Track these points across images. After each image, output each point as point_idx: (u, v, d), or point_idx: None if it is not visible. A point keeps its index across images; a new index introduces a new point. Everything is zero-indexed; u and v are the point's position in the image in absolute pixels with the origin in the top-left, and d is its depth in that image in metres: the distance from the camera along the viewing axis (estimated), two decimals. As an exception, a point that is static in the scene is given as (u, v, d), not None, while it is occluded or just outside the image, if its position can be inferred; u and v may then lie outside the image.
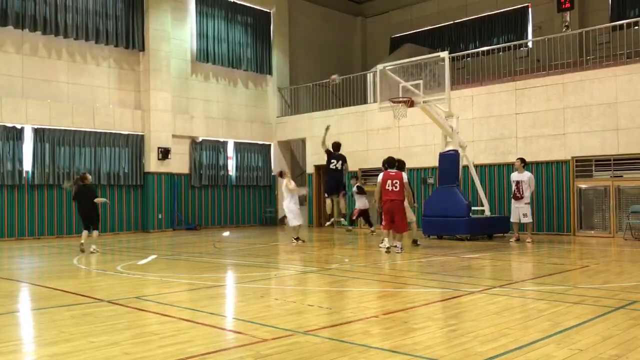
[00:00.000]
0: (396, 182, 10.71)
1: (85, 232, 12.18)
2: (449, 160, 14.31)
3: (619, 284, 7.39)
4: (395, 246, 10.88)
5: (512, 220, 13.47)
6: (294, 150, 23.39)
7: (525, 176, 13.19)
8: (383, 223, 11.11)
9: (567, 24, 19.81)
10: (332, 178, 14.10)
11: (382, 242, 11.47)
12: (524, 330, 4.88)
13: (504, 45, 19.10)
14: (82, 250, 11.95)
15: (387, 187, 10.74)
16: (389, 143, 18.41)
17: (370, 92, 19.90)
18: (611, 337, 4.59)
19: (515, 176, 13.29)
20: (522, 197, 13.05)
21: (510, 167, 15.96)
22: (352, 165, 17.32)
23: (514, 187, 13.21)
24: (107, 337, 4.83)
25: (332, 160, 13.90)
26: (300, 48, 23.67)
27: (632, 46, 15.21)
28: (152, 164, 18.70)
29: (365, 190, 16.01)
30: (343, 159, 14.01)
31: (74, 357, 4.26)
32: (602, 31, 17.05)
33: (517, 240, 13.20)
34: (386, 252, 10.90)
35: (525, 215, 13.09)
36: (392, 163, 11.13)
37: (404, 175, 10.92)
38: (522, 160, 13.42)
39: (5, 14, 15.80)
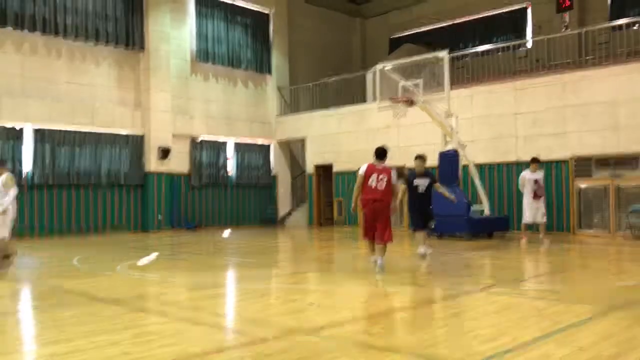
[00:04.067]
0: (383, 178, 8.38)
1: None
2: (449, 159, 14.32)
3: (618, 283, 7.40)
4: (376, 261, 8.41)
5: (529, 220, 12.79)
6: (293, 149, 23.39)
7: (541, 174, 12.90)
8: (364, 232, 8.68)
9: (566, 23, 19.82)
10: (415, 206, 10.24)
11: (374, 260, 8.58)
12: (523, 329, 4.89)
13: (503, 44, 19.12)
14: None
15: (370, 184, 8.37)
16: (388, 142, 18.17)
17: (370, 91, 19.90)
18: (611, 336, 4.60)
19: (531, 174, 12.79)
20: (542, 196, 12.73)
21: (510, 166, 15.99)
22: (352, 166, 17.27)
23: (533, 186, 12.64)
24: (107, 336, 4.84)
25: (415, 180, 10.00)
26: (299, 48, 23.66)
27: (631, 46, 15.23)
28: (152, 164, 18.70)
29: None
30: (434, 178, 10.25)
31: (74, 357, 4.26)
32: (601, 31, 17.04)
33: (545, 239, 12.66)
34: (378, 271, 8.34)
35: (544, 214, 12.74)
36: (383, 154, 8.69)
37: (394, 172, 8.67)
38: (539, 160, 13.08)
39: (4, 14, 15.78)
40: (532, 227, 13.26)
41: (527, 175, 12.84)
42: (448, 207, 13.80)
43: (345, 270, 9.09)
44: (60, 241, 15.56)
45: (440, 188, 9.92)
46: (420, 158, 9.98)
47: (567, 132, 15.06)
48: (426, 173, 9.91)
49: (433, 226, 10.05)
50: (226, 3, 21.05)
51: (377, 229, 8.42)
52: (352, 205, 8.64)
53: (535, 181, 12.67)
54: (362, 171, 8.45)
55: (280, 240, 15.97)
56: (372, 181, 8.37)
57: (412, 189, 9.81)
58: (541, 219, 12.76)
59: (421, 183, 9.78)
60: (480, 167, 16.30)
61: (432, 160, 16.20)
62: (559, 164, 15.18)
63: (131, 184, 18.46)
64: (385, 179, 8.38)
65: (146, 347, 4.50)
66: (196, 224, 19.83)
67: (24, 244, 14.75)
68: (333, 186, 20.58)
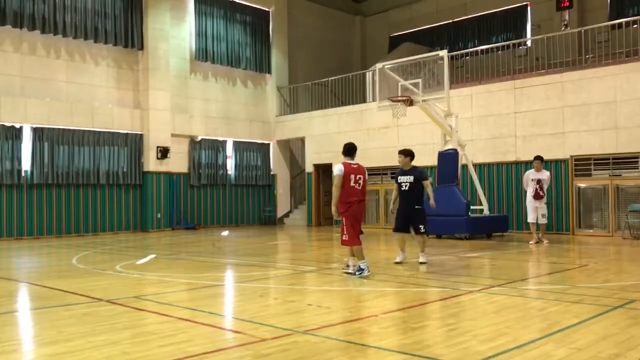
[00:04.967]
0: (360, 178, 7.99)
1: None
2: (448, 159, 14.32)
3: (617, 283, 7.40)
4: (347, 266, 8.33)
5: (530, 220, 12.80)
6: (293, 149, 23.40)
7: (546, 175, 12.70)
8: (346, 237, 7.98)
9: (566, 22, 19.83)
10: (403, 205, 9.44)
11: (362, 270, 7.97)
12: (522, 330, 4.88)
13: (503, 44, 19.13)
14: None
15: (352, 184, 7.90)
16: (388, 142, 18.42)
17: (370, 91, 19.91)
18: (610, 336, 4.60)
19: (534, 174, 12.69)
20: (544, 196, 12.57)
21: (509, 165, 16.00)
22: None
23: (534, 185, 12.56)
24: (106, 336, 4.83)
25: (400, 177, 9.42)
26: (299, 47, 23.67)
27: (630, 45, 15.23)
28: (151, 163, 18.69)
29: None
30: (421, 176, 9.39)
31: (73, 357, 4.26)
32: (601, 30, 17.06)
33: (538, 242, 12.58)
34: (360, 275, 7.94)
35: (544, 215, 12.61)
36: (353, 150, 8.25)
37: (365, 171, 8.25)
38: (542, 159, 12.85)
39: (3, 13, 15.77)
40: (538, 227, 13.09)
41: (530, 175, 12.80)
42: (447, 207, 13.86)
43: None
44: (59, 241, 15.56)
45: (429, 188, 9.30)
46: (402, 153, 9.37)
47: (566, 131, 15.07)
48: (412, 169, 9.32)
49: (423, 230, 9.22)
50: (226, 0, 21.05)
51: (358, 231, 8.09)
52: (333, 208, 7.98)
53: (538, 181, 12.60)
54: (340, 171, 7.89)
55: (279, 240, 15.97)
56: (353, 182, 7.93)
57: (398, 186, 9.37)
58: (541, 219, 12.69)
59: (404, 180, 9.22)
60: (480, 167, 16.31)
61: (432, 160, 16.31)
62: (558, 163, 15.19)
63: (130, 184, 18.45)
64: (362, 179, 8.03)
65: (145, 346, 4.50)
66: (195, 224, 19.83)
67: (22, 244, 14.75)
68: (332, 186, 20.54)
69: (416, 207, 9.21)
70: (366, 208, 18.71)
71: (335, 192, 7.99)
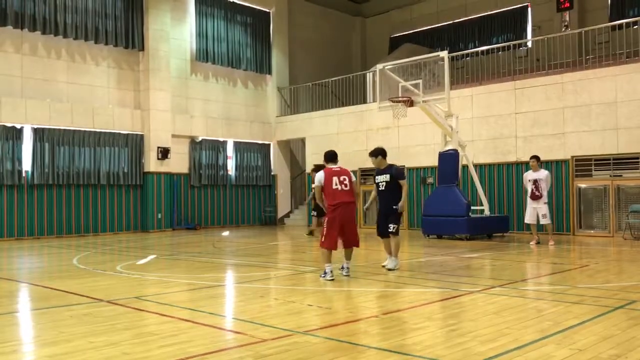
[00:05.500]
0: (345, 179, 7.96)
1: None
2: (449, 159, 14.32)
3: (618, 284, 7.40)
4: (342, 267, 8.21)
5: (528, 221, 12.71)
6: (293, 150, 23.41)
7: (543, 174, 12.49)
8: (324, 239, 7.92)
9: (566, 23, 19.84)
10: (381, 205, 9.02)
11: (326, 273, 7.91)
12: (523, 330, 4.88)
13: (503, 44, 19.15)
14: None
15: (335, 187, 7.89)
16: (388, 143, 18.38)
17: (370, 91, 19.92)
18: (610, 337, 4.59)
19: (531, 175, 12.57)
20: (541, 197, 12.38)
21: (510, 166, 16.00)
22: (351, 166, 17.23)
23: (531, 186, 12.45)
24: (107, 337, 4.83)
25: (377, 177, 8.96)
26: (299, 48, 23.68)
27: (631, 45, 15.24)
28: (152, 164, 18.69)
29: None
30: (396, 174, 8.83)
31: (73, 357, 4.26)
32: (601, 31, 17.06)
33: (538, 243, 12.52)
34: (331, 279, 7.84)
35: (544, 216, 12.41)
36: (334, 156, 8.27)
37: (351, 173, 8.18)
38: (537, 158, 12.69)
39: (4, 14, 15.78)
40: (542, 228, 13.06)
41: (528, 176, 12.75)
42: (447, 208, 13.87)
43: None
44: (59, 241, 15.57)
45: (404, 188, 8.66)
46: (372, 154, 8.88)
47: (566, 132, 15.07)
48: (388, 168, 8.79)
49: (392, 229, 8.65)
50: (227, 1, 21.06)
51: (348, 234, 7.99)
52: (314, 212, 8.21)
53: (534, 182, 12.54)
54: (319, 181, 7.97)
55: (280, 240, 15.97)
56: (336, 184, 7.90)
57: (376, 187, 8.94)
58: (542, 219, 12.55)
59: (380, 180, 8.74)
60: (480, 167, 16.31)
61: (433, 161, 16.31)
62: (559, 164, 15.19)
63: (130, 184, 18.46)
64: (347, 180, 7.98)
65: (145, 347, 4.50)
66: (196, 224, 19.84)
67: (23, 244, 14.75)
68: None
69: (393, 207, 8.67)
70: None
71: (319, 201, 8.31)
